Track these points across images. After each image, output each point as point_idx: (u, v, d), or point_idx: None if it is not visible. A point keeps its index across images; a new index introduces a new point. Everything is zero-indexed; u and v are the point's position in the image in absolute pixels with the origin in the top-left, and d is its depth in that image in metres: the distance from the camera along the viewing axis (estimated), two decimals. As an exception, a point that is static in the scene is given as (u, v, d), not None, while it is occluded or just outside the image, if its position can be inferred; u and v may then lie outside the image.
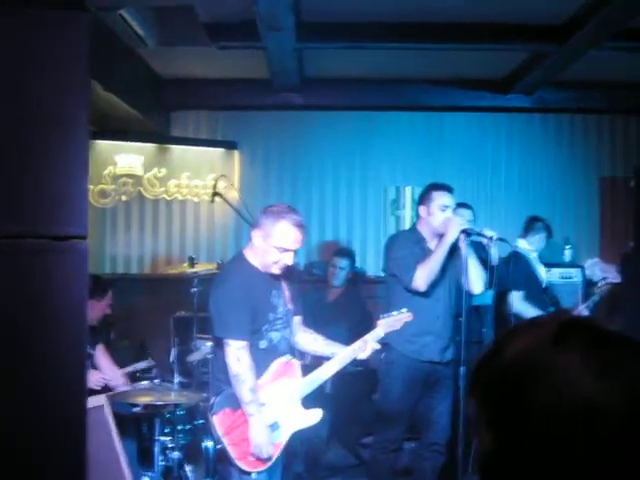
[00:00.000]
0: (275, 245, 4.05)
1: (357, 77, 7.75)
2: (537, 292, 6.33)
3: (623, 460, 1.03)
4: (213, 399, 4.16)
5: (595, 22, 5.26)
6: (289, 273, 4.34)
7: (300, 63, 6.96)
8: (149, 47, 5.92)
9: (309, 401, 4.29)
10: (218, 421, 4.04)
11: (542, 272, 6.58)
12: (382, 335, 4.42)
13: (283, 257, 4.09)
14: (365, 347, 4.33)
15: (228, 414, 4.05)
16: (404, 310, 4.52)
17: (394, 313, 4.48)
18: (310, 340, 4.47)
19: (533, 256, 6.47)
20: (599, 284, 6.35)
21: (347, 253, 7.41)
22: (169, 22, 5.73)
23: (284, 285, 4.29)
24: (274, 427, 4.12)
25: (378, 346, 4.40)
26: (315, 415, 4.25)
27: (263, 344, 4.13)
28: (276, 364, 4.18)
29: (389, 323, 4.44)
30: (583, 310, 6.16)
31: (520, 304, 6.03)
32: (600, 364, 1.06)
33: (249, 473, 4.00)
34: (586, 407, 1.04)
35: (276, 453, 4.11)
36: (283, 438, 4.15)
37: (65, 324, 2.31)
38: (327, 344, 4.44)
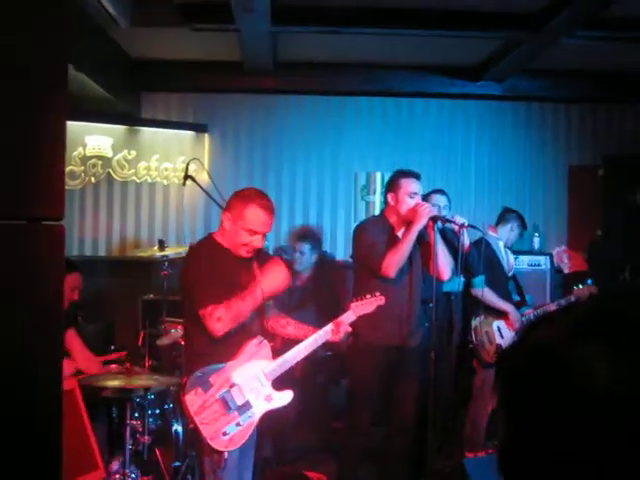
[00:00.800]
0: (245, 228, 4.14)
1: (329, 62, 7.73)
2: (500, 279, 6.35)
3: (632, 448, 1.04)
4: (185, 379, 4.19)
5: (570, 10, 5.29)
6: (261, 258, 4.38)
7: (273, 46, 6.92)
8: (121, 28, 5.85)
9: (278, 385, 4.32)
10: (189, 401, 4.07)
11: (510, 260, 6.61)
12: (354, 318, 4.48)
13: (253, 240, 4.16)
14: (337, 329, 4.39)
15: (200, 394, 4.08)
16: (377, 293, 4.58)
17: (367, 296, 4.54)
18: (282, 323, 4.55)
19: (500, 244, 6.50)
20: (580, 286, 6.34)
21: (308, 237, 7.37)
22: (142, 2, 5.66)
23: (256, 269, 4.32)
24: (246, 407, 4.15)
25: (349, 329, 4.45)
26: (286, 396, 4.30)
27: None
28: (248, 345, 4.21)
29: (362, 306, 4.51)
30: (553, 307, 6.17)
31: (480, 289, 6.05)
32: (615, 352, 1.07)
33: (221, 452, 4.04)
34: (600, 393, 1.05)
35: (248, 433, 4.15)
36: (255, 417, 4.19)
37: (41, 308, 2.28)
38: (299, 327, 4.52)
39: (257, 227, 4.14)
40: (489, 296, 6.07)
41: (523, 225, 6.67)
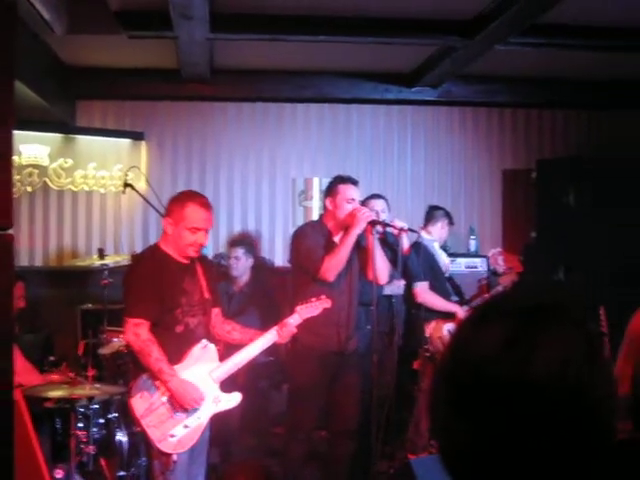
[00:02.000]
0: (187, 227, 4.25)
1: (266, 69, 7.74)
2: (439, 281, 6.46)
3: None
4: (131, 383, 4.26)
5: (505, 18, 5.39)
6: (207, 267, 4.55)
7: (210, 54, 6.90)
8: (57, 34, 5.77)
9: (223, 391, 4.37)
10: (135, 404, 4.13)
11: (445, 260, 6.71)
12: (300, 320, 4.58)
13: (197, 237, 4.27)
14: (282, 332, 4.49)
15: (145, 397, 4.15)
16: (323, 296, 4.68)
17: (313, 299, 4.62)
18: (228, 329, 4.63)
19: (435, 245, 6.60)
20: (502, 275, 6.57)
21: (239, 242, 7.41)
22: (78, 9, 5.58)
23: (201, 276, 4.40)
24: (194, 410, 4.18)
25: (295, 331, 4.55)
26: (234, 398, 4.35)
27: (179, 328, 4.25)
28: (193, 349, 4.28)
29: (307, 309, 4.59)
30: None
31: (426, 294, 6.15)
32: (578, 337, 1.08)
33: (169, 455, 4.07)
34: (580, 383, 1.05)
35: (196, 435, 4.18)
36: (203, 420, 4.23)
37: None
38: (244, 332, 4.61)
39: (199, 224, 4.26)
40: (435, 300, 6.17)
41: (450, 222, 6.79)
